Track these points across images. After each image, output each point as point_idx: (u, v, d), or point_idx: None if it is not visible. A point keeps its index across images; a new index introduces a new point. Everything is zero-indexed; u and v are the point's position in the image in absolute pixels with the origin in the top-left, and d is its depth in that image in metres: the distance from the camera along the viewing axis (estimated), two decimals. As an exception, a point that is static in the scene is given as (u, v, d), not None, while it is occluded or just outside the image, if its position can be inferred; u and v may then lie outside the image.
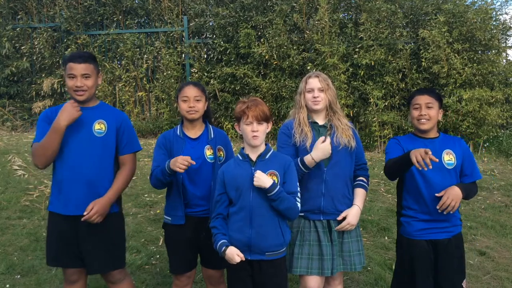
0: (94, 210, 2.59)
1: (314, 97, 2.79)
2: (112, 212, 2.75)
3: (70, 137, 2.65)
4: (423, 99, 2.72)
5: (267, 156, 2.50)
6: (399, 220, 2.82)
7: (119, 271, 2.82)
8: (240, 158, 2.52)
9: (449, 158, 2.69)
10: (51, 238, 2.76)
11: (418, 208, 2.70)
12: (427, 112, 2.69)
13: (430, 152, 2.33)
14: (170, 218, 2.83)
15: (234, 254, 2.38)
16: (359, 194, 2.87)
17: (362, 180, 2.92)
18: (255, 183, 2.36)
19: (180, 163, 2.54)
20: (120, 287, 2.83)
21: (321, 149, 2.66)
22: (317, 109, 2.81)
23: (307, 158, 2.67)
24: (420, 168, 2.38)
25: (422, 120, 2.70)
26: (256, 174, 2.37)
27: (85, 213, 2.58)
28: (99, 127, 2.71)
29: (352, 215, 2.77)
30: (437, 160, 2.40)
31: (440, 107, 2.77)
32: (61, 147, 2.64)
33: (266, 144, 2.55)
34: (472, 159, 2.80)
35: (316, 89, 2.80)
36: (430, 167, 2.34)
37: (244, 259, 2.37)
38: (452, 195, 2.54)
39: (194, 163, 2.60)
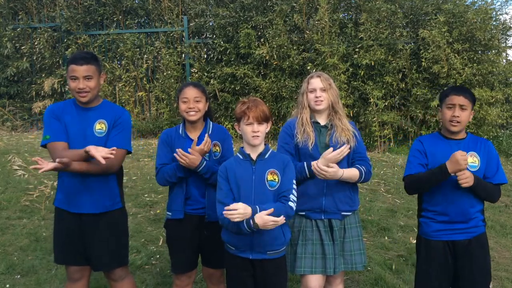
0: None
1: (316, 97, 2.80)
2: (116, 208, 2.77)
3: (73, 138, 2.66)
4: (458, 100, 2.61)
5: (266, 156, 2.51)
6: (418, 221, 2.81)
7: (122, 269, 2.83)
8: (241, 157, 2.52)
9: (472, 160, 2.62)
10: (58, 236, 2.77)
11: (438, 209, 2.66)
12: (460, 114, 2.61)
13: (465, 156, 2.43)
14: (170, 213, 2.85)
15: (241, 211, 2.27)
16: (350, 169, 2.76)
17: (359, 165, 2.81)
18: (262, 227, 2.30)
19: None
20: (121, 285, 2.84)
21: (328, 160, 2.62)
22: (319, 109, 2.82)
23: (314, 165, 2.65)
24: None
25: (454, 123, 2.62)
26: (259, 221, 2.29)
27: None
28: (99, 127, 2.71)
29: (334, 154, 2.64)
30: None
31: (473, 108, 2.69)
32: None
33: (265, 144, 2.55)
34: (495, 162, 2.69)
35: (318, 89, 2.80)
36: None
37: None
38: (468, 174, 2.46)
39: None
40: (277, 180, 2.45)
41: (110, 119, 2.73)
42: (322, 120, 2.86)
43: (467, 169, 2.53)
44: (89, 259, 2.74)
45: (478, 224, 2.68)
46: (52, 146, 2.63)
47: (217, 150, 2.86)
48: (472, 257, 2.63)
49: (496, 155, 2.72)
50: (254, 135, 2.44)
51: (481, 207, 2.70)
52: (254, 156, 2.49)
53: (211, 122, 2.92)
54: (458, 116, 2.61)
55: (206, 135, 2.73)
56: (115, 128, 2.73)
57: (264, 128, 2.49)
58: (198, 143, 2.80)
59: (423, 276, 2.73)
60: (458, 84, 7.71)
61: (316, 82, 2.82)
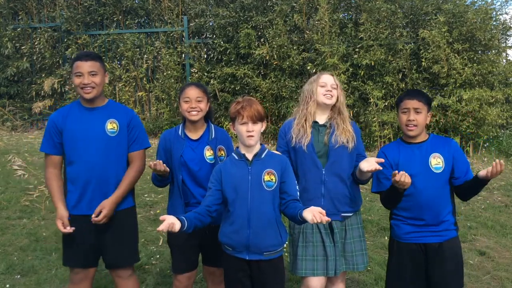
0: (103, 213, 2.63)
1: (327, 91, 2.79)
2: (128, 206, 2.80)
3: (83, 137, 2.67)
4: (411, 104, 2.63)
5: (262, 156, 2.48)
6: (390, 223, 2.80)
7: (130, 267, 2.85)
8: (236, 157, 2.50)
9: (436, 162, 2.62)
10: (67, 238, 2.77)
11: (407, 214, 2.66)
12: (415, 118, 2.62)
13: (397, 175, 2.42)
14: None
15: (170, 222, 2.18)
16: None
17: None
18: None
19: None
20: (127, 283, 2.85)
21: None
22: (327, 103, 2.79)
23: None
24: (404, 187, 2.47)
25: (410, 126, 2.64)
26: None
27: (93, 216, 2.62)
28: (111, 126, 2.72)
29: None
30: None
31: (429, 110, 2.70)
32: (74, 147, 2.68)
33: (261, 144, 2.54)
34: (464, 161, 2.67)
35: (329, 85, 2.80)
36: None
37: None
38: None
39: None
40: (274, 180, 2.43)
41: (122, 121, 2.76)
42: (321, 120, 2.85)
43: (432, 171, 2.59)
44: (98, 258, 2.77)
45: (450, 227, 2.66)
46: (45, 155, 2.79)
47: (222, 154, 2.85)
48: (443, 261, 2.61)
49: (462, 154, 2.71)
50: (249, 134, 2.42)
51: (451, 209, 2.68)
52: (249, 156, 2.47)
53: (213, 125, 2.92)
54: (413, 120, 2.62)
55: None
56: (132, 131, 2.78)
57: (259, 127, 2.47)
58: (199, 147, 2.81)
59: (395, 279, 2.71)
60: (459, 83, 7.71)
61: (328, 78, 2.82)
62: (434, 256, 2.63)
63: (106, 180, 2.69)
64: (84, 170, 2.67)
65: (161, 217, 2.21)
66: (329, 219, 2.18)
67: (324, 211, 2.18)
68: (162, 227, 2.16)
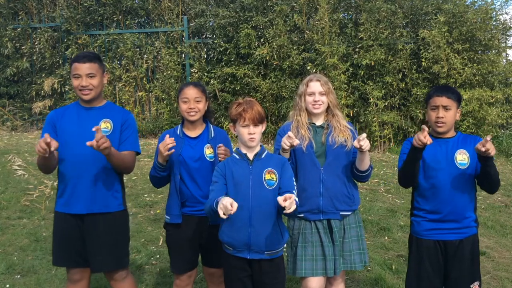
0: (105, 140, 2.42)
1: (315, 101, 2.80)
2: (119, 210, 2.78)
3: (75, 135, 2.67)
4: (441, 101, 2.61)
5: (263, 156, 2.51)
6: (410, 220, 2.82)
7: (124, 269, 2.83)
8: (237, 157, 2.51)
9: (462, 158, 2.62)
10: (56, 237, 2.77)
11: (428, 208, 2.67)
12: (444, 115, 2.61)
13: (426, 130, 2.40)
14: (169, 217, 2.85)
15: (228, 203, 2.13)
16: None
17: None
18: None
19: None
20: (122, 285, 2.83)
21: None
22: (317, 113, 2.82)
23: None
24: (420, 144, 2.40)
25: (439, 124, 2.63)
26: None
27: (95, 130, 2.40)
28: (105, 125, 2.72)
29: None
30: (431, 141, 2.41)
31: (458, 107, 2.68)
32: (65, 144, 2.65)
33: (260, 145, 2.55)
34: None
35: (317, 93, 2.80)
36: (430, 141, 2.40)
37: (234, 210, 2.16)
38: (491, 144, 2.38)
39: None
40: (275, 179, 2.44)
41: (117, 120, 2.75)
42: (318, 121, 2.86)
43: (457, 166, 2.59)
44: (87, 260, 2.74)
45: (471, 224, 2.67)
46: None
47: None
48: (463, 257, 2.63)
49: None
50: (251, 137, 2.44)
51: (474, 205, 2.69)
52: (250, 156, 2.48)
53: (211, 126, 2.92)
54: (442, 117, 2.61)
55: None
56: (125, 131, 2.76)
57: (260, 129, 2.49)
58: (198, 144, 2.81)
59: (414, 275, 2.73)
60: (459, 83, 7.71)
61: (315, 86, 2.82)
62: (453, 253, 2.64)
63: (96, 179, 2.67)
64: (75, 168, 2.65)
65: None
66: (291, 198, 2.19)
67: (292, 198, 2.19)
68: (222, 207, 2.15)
